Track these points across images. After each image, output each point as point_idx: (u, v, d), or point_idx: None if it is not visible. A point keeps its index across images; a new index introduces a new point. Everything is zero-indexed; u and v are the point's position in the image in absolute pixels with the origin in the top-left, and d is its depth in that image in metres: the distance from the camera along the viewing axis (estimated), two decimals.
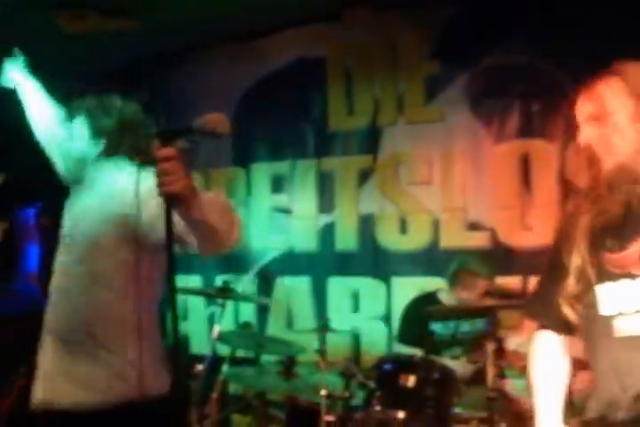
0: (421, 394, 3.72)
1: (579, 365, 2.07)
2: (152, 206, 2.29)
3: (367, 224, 5.36)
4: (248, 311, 5.70)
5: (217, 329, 4.29)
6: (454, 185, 5.05)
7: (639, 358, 1.86)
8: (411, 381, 3.77)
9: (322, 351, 4.05)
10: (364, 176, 5.40)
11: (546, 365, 2.08)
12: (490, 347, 3.74)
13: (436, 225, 5.11)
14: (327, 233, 5.51)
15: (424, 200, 5.16)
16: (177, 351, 2.24)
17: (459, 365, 4.26)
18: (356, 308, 5.37)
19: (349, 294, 5.39)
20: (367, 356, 5.11)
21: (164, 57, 5.92)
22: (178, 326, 1.95)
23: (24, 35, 5.22)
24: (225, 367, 4.34)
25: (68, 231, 2.64)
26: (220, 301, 4.41)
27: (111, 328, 2.50)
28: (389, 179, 5.30)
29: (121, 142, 2.64)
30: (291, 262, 5.62)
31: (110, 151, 2.64)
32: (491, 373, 3.67)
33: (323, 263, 5.51)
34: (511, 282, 4.76)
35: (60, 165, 2.88)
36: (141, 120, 2.71)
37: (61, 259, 2.63)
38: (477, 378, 4.05)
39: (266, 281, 5.69)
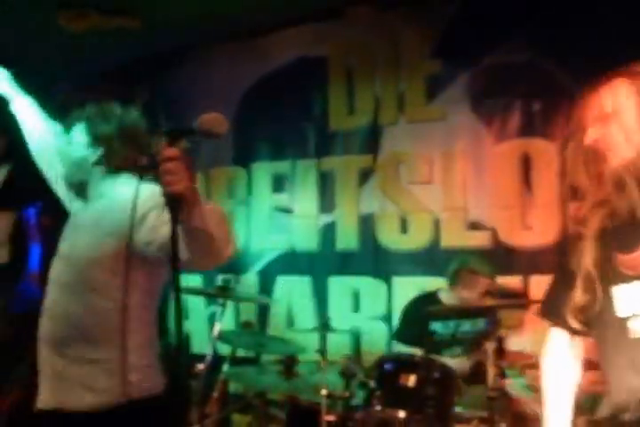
0: (422, 394, 3.72)
1: (586, 365, 2.07)
2: (150, 220, 2.31)
3: (368, 224, 5.35)
4: (248, 311, 5.70)
5: (217, 328, 4.29)
6: (455, 184, 5.05)
7: None
8: (411, 380, 3.77)
9: (322, 351, 4.05)
10: (364, 175, 5.39)
11: (556, 364, 2.09)
12: (490, 347, 3.74)
13: (436, 225, 5.10)
14: (328, 232, 5.51)
15: (425, 200, 5.16)
16: (180, 352, 2.24)
17: (456, 362, 4.26)
18: (356, 307, 5.37)
19: (350, 293, 5.38)
20: (368, 355, 5.10)
21: (164, 56, 5.92)
22: (182, 327, 1.95)
23: (24, 35, 5.25)
24: (225, 367, 4.34)
25: (66, 244, 2.65)
26: (220, 300, 4.41)
27: (107, 334, 2.51)
28: (390, 178, 5.29)
29: (120, 150, 2.63)
30: (291, 262, 5.62)
31: (109, 159, 2.63)
32: (491, 372, 3.68)
33: (323, 263, 5.51)
34: (512, 282, 4.76)
35: (55, 174, 2.90)
36: (142, 129, 2.70)
37: (58, 269, 2.64)
38: (477, 377, 4.04)
39: (266, 280, 5.69)
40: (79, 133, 2.67)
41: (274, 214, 5.74)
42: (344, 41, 5.46)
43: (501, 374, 3.76)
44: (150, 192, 2.25)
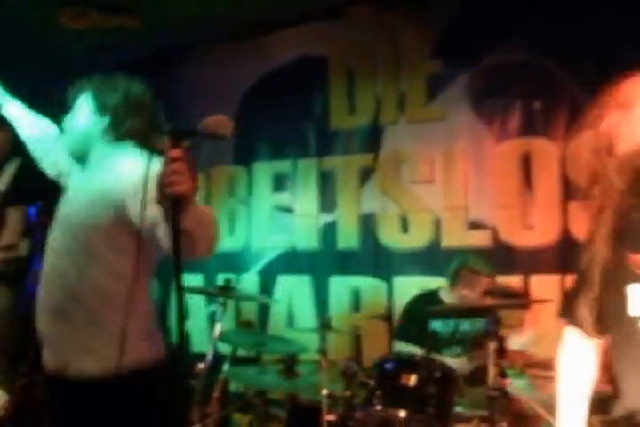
0: (422, 393, 3.71)
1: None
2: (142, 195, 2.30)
3: (368, 223, 5.36)
4: (249, 310, 5.70)
5: (218, 328, 4.29)
6: (456, 184, 5.05)
7: None
8: (412, 380, 3.77)
9: (323, 350, 4.04)
10: (365, 175, 5.40)
11: (571, 364, 2.09)
12: (491, 346, 3.74)
13: (437, 224, 5.11)
14: (328, 232, 5.51)
15: (425, 199, 5.16)
16: (181, 351, 2.25)
17: (458, 362, 4.27)
18: (356, 307, 5.37)
19: (350, 292, 5.39)
20: (368, 355, 5.11)
21: (164, 56, 5.92)
22: (183, 327, 1.96)
23: (24, 34, 5.25)
24: (226, 366, 4.34)
25: (65, 210, 2.66)
26: (221, 299, 4.40)
27: (107, 303, 2.52)
28: (391, 178, 5.30)
29: (125, 120, 2.64)
30: (292, 261, 5.63)
31: (114, 129, 2.64)
32: (492, 372, 3.68)
33: (324, 262, 5.51)
34: (512, 281, 4.77)
35: (53, 160, 2.91)
36: (148, 100, 2.71)
37: (56, 237, 2.64)
38: (478, 377, 4.04)
39: (267, 280, 5.69)
40: (85, 103, 2.68)
41: (274, 214, 5.74)
42: (344, 41, 5.46)
43: (502, 374, 3.76)
44: (154, 166, 2.21)
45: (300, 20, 5.47)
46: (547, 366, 4.13)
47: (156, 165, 2.11)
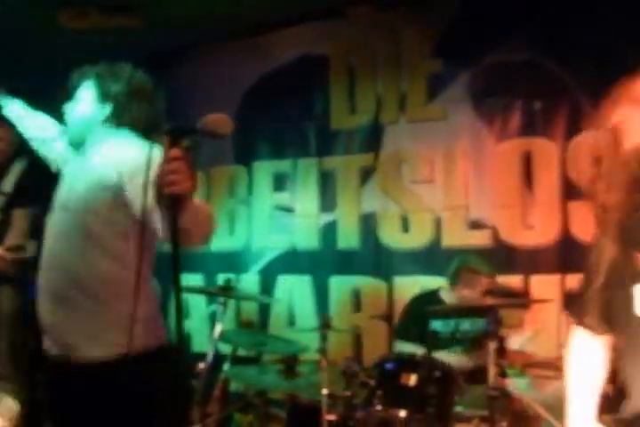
0: (423, 393, 3.72)
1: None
2: (138, 181, 2.30)
3: (369, 223, 5.35)
4: (249, 310, 5.70)
5: (218, 328, 4.29)
6: (456, 184, 5.05)
7: None
8: (412, 380, 3.77)
9: (323, 350, 4.04)
10: (365, 175, 5.39)
11: (580, 363, 2.09)
12: (491, 346, 3.74)
13: (437, 224, 5.10)
14: (329, 232, 5.51)
15: (426, 199, 5.16)
16: (181, 350, 2.25)
17: (457, 359, 4.26)
18: (357, 307, 5.37)
19: (351, 292, 5.38)
20: (368, 355, 5.11)
21: (164, 56, 5.92)
22: (182, 326, 1.97)
23: (24, 34, 5.24)
24: (226, 366, 4.35)
25: (64, 193, 2.66)
26: (221, 299, 4.41)
27: (108, 286, 2.53)
28: (391, 177, 5.29)
29: (127, 109, 2.65)
30: (292, 261, 5.62)
31: (116, 117, 2.65)
32: (492, 371, 3.68)
33: (324, 262, 5.51)
34: (512, 281, 4.76)
35: (56, 160, 2.92)
36: (150, 89, 2.72)
37: (55, 221, 2.65)
38: (478, 375, 4.04)
39: (267, 280, 5.69)
40: (87, 90, 2.69)
41: (275, 214, 5.74)
42: (345, 41, 5.46)
43: (502, 374, 3.76)
44: (144, 153, 2.22)
45: (301, 19, 5.47)
46: (547, 365, 4.14)
47: (156, 151, 2.11)
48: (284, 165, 5.71)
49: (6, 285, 4.44)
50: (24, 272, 4.35)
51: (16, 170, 4.42)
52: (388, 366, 3.94)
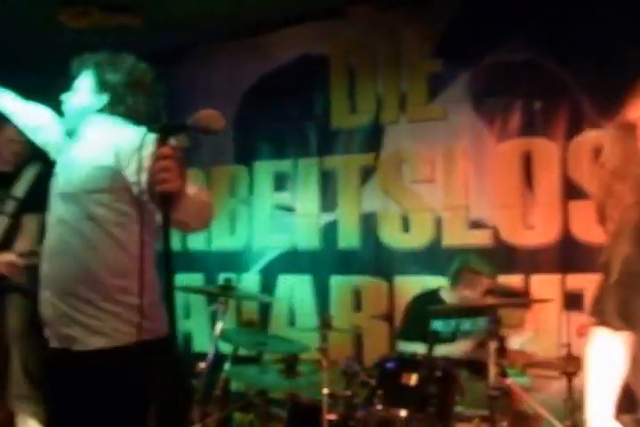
0: (423, 392, 3.72)
1: None
2: (135, 162, 2.31)
3: (369, 222, 5.36)
4: (250, 309, 5.70)
5: (219, 327, 4.29)
6: (457, 183, 5.05)
7: None
8: (413, 379, 3.77)
9: (324, 350, 4.05)
10: (366, 174, 5.39)
11: (600, 363, 2.09)
12: (492, 345, 3.74)
13: (438, 223, 5.11)
14: (329, 231, 5.51)
15: (426, 198, 5.16)
16: (173, 342, 2.25)
17: (457, 349, 4.27)
18: (357, 306, 5.37)
19: (351, 292, 5.39)
20: (369, 354, 5.11)
21: (164, 55, 5.91)
22: (175, 319, 1.97)
23: (24, 33, 5.24)
24: (227, 365, 4.34)
25: (62, 183, 2.66)
26: (222, 299, 4.41)
27: (112, 275, 2.53)
28: (392, 177, 5.30)
29: (124, 99, 2.65)
30: (293, 261, 5.63)
31: (113, 106, 2.65)
32: (492, 371, 3.68)
33: (325, 262, 5.51)
34: (513, 281, 4.77)
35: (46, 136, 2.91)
36: (150, 80, 2.72)
37: (57, 210, 2.64)
38: (478, 369, 4.03)
39: (268, 279, 5.69)
40: (86, 79, 2.69)
41: (275, 213, 5.74)
42: (345, 41, 5.46)
43: (502, 373, 3.76)
44: (140, 135, 2.23)
45: (301, 19, 5.47)
46: (547, 365, 4.14)
47: (150, 136, 2.11)
48: (284, 164, 5.72)
49: (16, 293, 4.26)
50: (36, 279, 4.26)
51: (29, 175, 4.31)
52: (389, 365, 3.94)
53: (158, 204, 1.97)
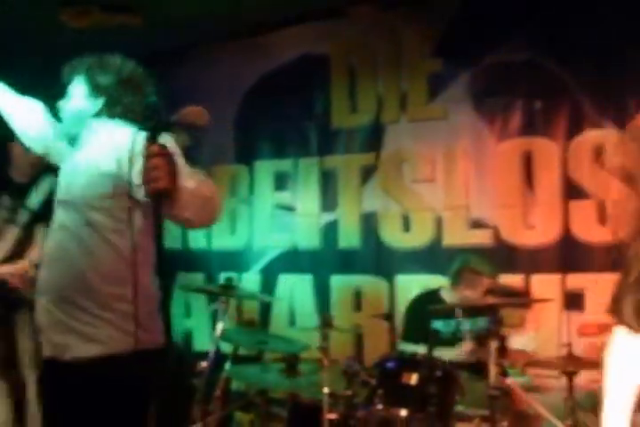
0: (424, 392, 3.71)
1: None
2: (139, 164, 2.27)
3: (370, 222, 5.36)
4: (251, 309, 5.70)
5: (220, 327, 4.29)
6: (457, 183, 5.06)
7: None
8: (413, 379, 3.77)
9: (324, 349, 4.04)
10: (366, 174, 5.40)
11: (619, 363, 2.09)
12: (493, 345, 3.74)
13: (438, 223, 5.11)
14: (330, 231, 5.52)
15: (427, 198, 5.16)
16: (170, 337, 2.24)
17: (459, 353, 4.26)
18: (358, 306, 5.38)
19: (352, 291, 5.39)
20: (369, 354, 5.12)
21: (165, 55, 5.92)
22: (170, 322, 1.96)
23: (24, 33, 5.24)
24: (227, 365, 4.35)
25: (64, 190, 2.66)
26: (222, 298, 4.41)
27: (109, 283, 2.52)
28: (392, 177, 5.30)
29: (120, 100, 2.65)
30: (293, 260, 5.63)
31: (109, 109, 2.65)
32: (493, 371, 3.68)
33: (325, 261, 5.52)
34: (513, 280, 4.77)
35: (54, 147, 2.89)
36: (141, 79, 2.72)
37: (59, 217, 2.64)
38: (480, 370, 4.04)
39: (268, 279, 5.70)
40: (79, 85, 2.69)
41: (276, 213, 5.74)
42: (345, 40, 5.46)
43: (503, 373, 3.76)
44: (142, 137, 2.22)
45: (301, 19, 5.48)
46: (547, 365, 4.14)
47: (142, 136, 2.10)
48: (285, 164, 5.72)
49: (25, 309, 4.08)
50: None
51: (45, 187, 4.26)
52: (389, 365, 3.94)
53: (151, 202, 1.97)
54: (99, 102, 2.66)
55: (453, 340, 4.41)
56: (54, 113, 2.88)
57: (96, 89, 2.66)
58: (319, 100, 5.62)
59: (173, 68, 5.96)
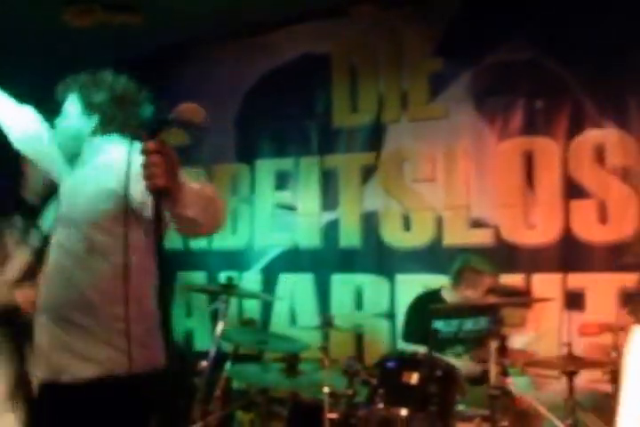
0: (424, 391, 3.71)
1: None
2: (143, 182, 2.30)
3: (371, 221, 5.36)
4: (251, 308, 5.71)
5: (220, 326, 4.30)
6: (458, 182, 5.06)
7: None
8: (414, 378, 3.76)
9: (325, 348, 4.05)
10: (367, 173, 5.40)
11: (637, 360, 2.09)
12: (493, 345, 3.74)
13: (439, 222, 5.11)
14: (331, 230, 5.52)
15: (427, 197, 5.16)
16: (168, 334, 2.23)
17: (465, 364, 4.26)
18: (359, 305, 5.38)
19: (353, 290, 5.39)
20: (370, 353, 5.12)
21: (165, 54, 5.92)
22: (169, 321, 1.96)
23: (24, 34, 5.25)
24: (228, 364, 4.35)
25: (65, 208, 2.65)
26: (223, 297, 4.41)
27: (108, 302, 2.50)
28: (393, 176, 5.30)
29: (114, 117, 2.64)
30: (294, 259, 5.63)
31: (105, 126, 2.65)
32: (494, 371, 3.68)
33: (326, 260, 5.52)
34: (514, 280, 4.77)
35: (50, 162, 2.89)
36: (134, 94, 2.71)
37: (58, 235, 2.63)
38: (483, 378, 4.04)
39: (269, 278, 5.70)
40: (73, 104, 2.69)
41: (277, 212, 5.75)
42: (346, 40, 5.47)
43: (503, 373, 3.76)
44: (138, 152, 2.22)
45: (302, 18, 5.48)
46: (548, 364, 4.14)
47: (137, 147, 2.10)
48: (286, 163, 5.72)
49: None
50: None
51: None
52: (390, 364, 3.93)
53: (151, 200, 1.96)
54: (93, 120, 2.65)
55: (454, 340, 4.41)
56: (52, 117, 2.88)
57: (89, 107, 2.65)
58: (320, 100, 5.62)
59: (174, 67, 5.96)
